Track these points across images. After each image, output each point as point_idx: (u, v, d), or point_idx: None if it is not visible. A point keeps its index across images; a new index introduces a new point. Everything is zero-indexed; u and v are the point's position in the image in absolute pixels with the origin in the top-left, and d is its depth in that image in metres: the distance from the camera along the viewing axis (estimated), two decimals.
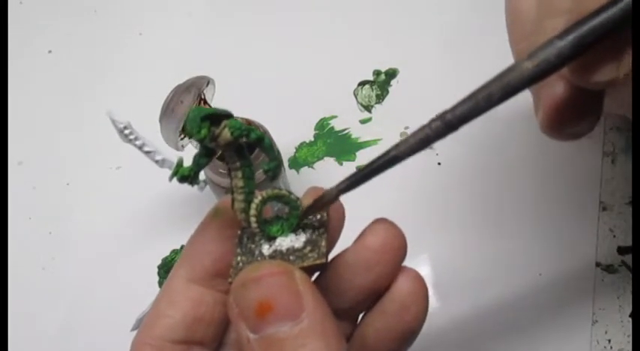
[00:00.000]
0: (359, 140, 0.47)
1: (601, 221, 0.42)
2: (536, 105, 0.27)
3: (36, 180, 0.49)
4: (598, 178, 0.43)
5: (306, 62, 0.51)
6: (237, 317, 0.21)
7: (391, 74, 0.49)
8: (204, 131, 0.22)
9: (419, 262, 0.42)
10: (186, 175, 0.23)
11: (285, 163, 0.47)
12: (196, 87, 0.35)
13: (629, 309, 0.39)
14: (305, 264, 0.23)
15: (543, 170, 0.44)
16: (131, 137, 0.23)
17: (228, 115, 0.22)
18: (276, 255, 0.23)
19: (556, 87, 0.25)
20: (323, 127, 0.48)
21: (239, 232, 0.24)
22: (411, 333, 0.25)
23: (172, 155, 0.24)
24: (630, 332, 0.38)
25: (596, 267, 0.40)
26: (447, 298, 0.40)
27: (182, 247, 0.37)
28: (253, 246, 0.24)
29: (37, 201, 0.48)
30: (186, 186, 0.50)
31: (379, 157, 0.23)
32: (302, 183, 0.46)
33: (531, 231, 0.42)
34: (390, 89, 0.49)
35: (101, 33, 0.55)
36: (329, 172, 0.46)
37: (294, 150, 0.47)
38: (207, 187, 0.42)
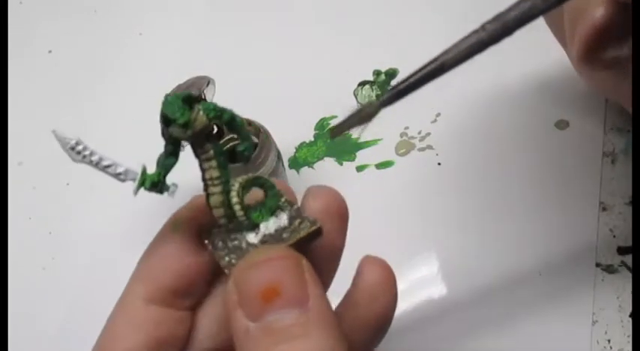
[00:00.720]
0: (359, 140, 0.47)
1: (601, 221, 0.42)
2: (571, 37, 0.26)
3: (36, 180, 0.49)
4: (598, 179, 0.43)
5: (306, 62, 0.51)
6: (235, 305, 0.20)
7: (391, 74, 0.50)
8: (187, 113, 0.21)
9: (418, 262, 0.42)
10: (156, 182, 0.22)
11: (285, 163, 0.47)
12: (196, 87, 0.35)
13: (629, 309, 0.39)
14: (302, 234, 0.22)
15: (543, 170, 0.44)
16: (85, 153, 0.22)
17: (198, 99, 0.21)
18: (268, 239, 0.22)
19: (596, 12, 0.24)
20: (323, 127, 0.48)
21: (206, 241, 0.23)
22: (383, 322, 0.24)
23: (135, 165, 0.23)
24: (630, 332, 0.38)
25: (596, 267, 0.40)
26: (445, 298, 0.40)
27: None
28: (236, 242, 0.23)
29: (37, 201, 0.48)
30: (186, 186, 0.50)
31: (426, 65, 0.21)
32: (302, 183, 0.46)
33: (531, 231, 0.42)
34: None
35: (101, 33, 0.55)
36: (329, 172, 0.46)
37: (294, 150, 0.47)
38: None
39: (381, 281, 0.24)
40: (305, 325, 0.19)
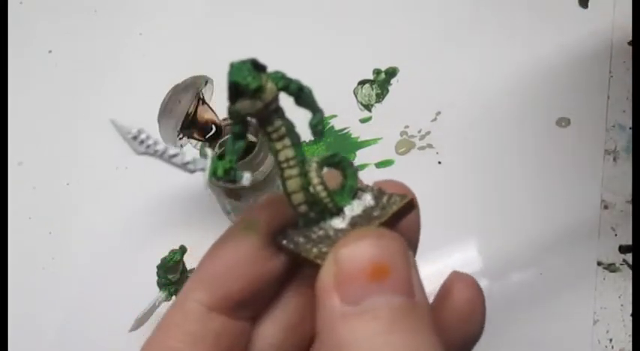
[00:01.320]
0: (359, 139, 0.47)
1: (602, 220, 0.41)
2: None
3: (36, 180, 0.49)
4: (599, 177, 0.43)
5: (306, 61, 0.51)
6: (330, 289, 0.18)
7: (391, 73, 0.49)
8: (258, 78, 0.19)
9: (417, 260, 0.41)
10: (228, 168, 0.20)
11: None
12: (194, 86, 0.35)
13: (630, 308, 0.39)
14: (395, 208, 0.20)
15: (544, 168, 0.44)
16: (149, 143, 0.20)
17: (264, 67, 0.20)
18: (357, 221, 0.20)
19: None
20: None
21: (284, 241, 0.20)
22: (470, 344, 0.22)
23: (197, 153, 0.21)
24: (631, 331, 0.38)
25: (598, 266, 0.40)
26: None
27: (181, 247, 0.37)
28: (321, 232, 0.20)
29: (37, 201, 0.48)
30: (185, 185, 0.50)
31: None
32: None
33: (532, 229, 0.42)
34: (390, 88, 0.49)
35: (101, 33, 0.55)
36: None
37: None
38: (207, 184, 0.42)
39: (471, 302, 0.22)
40: (414, 317, 0.17)
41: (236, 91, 0.20)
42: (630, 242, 0.40)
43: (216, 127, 0.36)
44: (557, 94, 0.46)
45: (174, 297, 0.38)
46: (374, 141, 0.47)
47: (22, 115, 0.51)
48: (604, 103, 0.45)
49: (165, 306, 0.38)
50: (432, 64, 0.49)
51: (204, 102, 0.36)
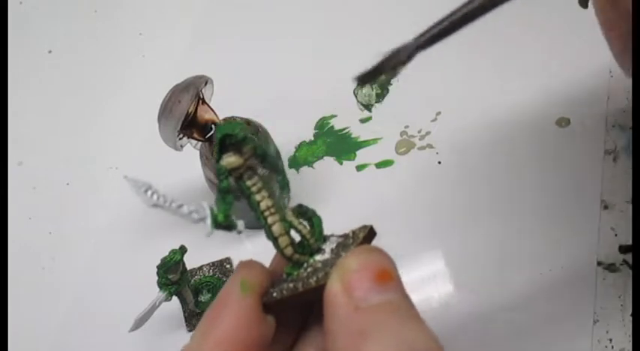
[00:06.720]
0: (359, 139, 0.47)
1: (602, 220, 0.41)
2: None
3: (36, 180, 0.49)
4: (599, 177, 0.43)
5: (306, 61, 0.51)
6: (341, 292, 0.21)
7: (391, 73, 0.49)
8: (245, 130, 0.23)
9: (418, 261, 0.41)
10: (225, 217, 0.23)
11: (285, 163, 0.46)
12: (194, 86, 0.35)
13: (630, 308, 0.39)
14: (363, 234, 0.23)
15: (544, 168, 0.44)
16: (158, 196, 0.23)
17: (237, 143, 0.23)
18: (339, 251, 0.23)
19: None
20: (323, 127, 0.48)
21: (274, 294, 0.22)
22: None
23: (195, 202, 0.24)
24: (631, 331, 0.38)
25: (598, 266, 0.40)
26: (444, 297, 0.40)
27: (181, 247, 0.37)
28: (310, 269, 0.23)
29: (37, 201, 0.48)
30: (184, 185, 0.50)
31: (464, 5, 0.20)
32: (302, 182, 0.46)
33: (532, 230, 0.42)
34: (390, 88, 0.49)
35: (101, 33, 0.55)
36: (329, 172, 0.46)
37: (294, 149, 0.47)
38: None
39: None
40: (412, 312, 0.21)
41: (223, 145, 0.23)
42: (630, 242, 0.40)
43: (216, 127, 0.36)
44: (557, 94, 0.46)
45: (174, 297, 0.38)
46: (374, 141, 0.47)
47: (22, 115, 0.51)
48: (604, 103, 0.45)
49: (165, 306, 0.38)
50: (432, 65, 0.49)
51: (204, 102, 0.36)
